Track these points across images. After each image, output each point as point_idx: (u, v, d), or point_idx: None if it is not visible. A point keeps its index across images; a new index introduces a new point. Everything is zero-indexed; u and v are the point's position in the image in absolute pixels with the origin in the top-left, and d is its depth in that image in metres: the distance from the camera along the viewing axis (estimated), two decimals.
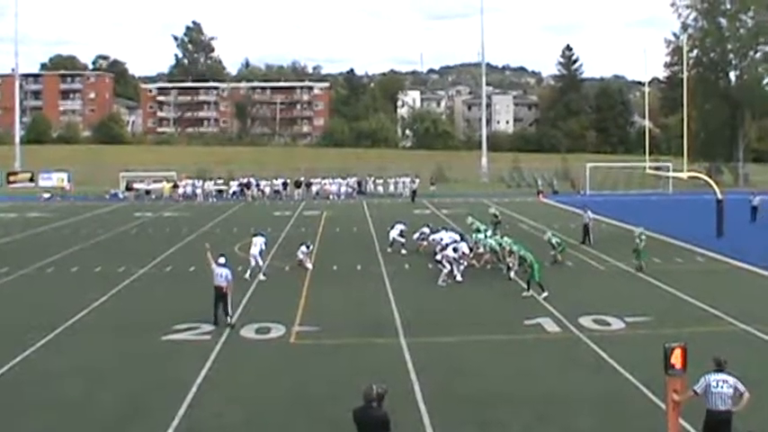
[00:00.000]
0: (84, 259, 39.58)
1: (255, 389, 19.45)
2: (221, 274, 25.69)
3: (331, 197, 78.46)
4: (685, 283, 32.07)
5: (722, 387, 13.86)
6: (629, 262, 36.55)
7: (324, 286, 32.36)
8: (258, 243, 35.19)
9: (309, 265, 36.29)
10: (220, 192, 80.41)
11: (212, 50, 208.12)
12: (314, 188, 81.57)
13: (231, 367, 21.21)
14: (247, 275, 33.43)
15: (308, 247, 37.41)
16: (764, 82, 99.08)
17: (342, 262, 37.72)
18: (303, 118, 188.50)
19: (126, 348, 22.94)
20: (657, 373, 15.19)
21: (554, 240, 38.48)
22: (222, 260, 26.48)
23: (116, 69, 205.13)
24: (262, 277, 33.71)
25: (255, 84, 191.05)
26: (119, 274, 34.92)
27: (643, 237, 36.03)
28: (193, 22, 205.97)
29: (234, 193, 79.64)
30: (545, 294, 29.48)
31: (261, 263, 34.63)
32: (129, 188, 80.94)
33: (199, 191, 79.48)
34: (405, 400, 17.65)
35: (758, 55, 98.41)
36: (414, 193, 76.51)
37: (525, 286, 30.74)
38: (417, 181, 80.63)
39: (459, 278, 33.03)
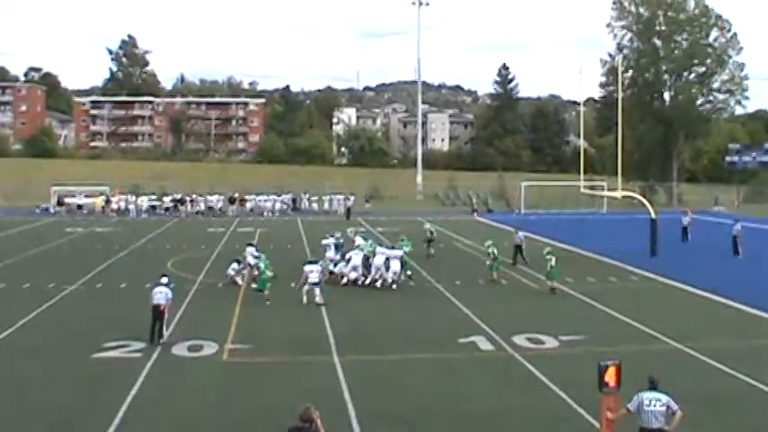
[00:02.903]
0: (12, 275, 38.81)
1: (186, 409, 19.16)
2: (161, 292, 25.44)
3: (265, 214, 78.00)
4: (619, 302, 32.31)
5: (655, 405, 13.99)
6: (561, 280, 36.68)
7: (257, 303, 32.07)
8: (250, 252, 37.03)
9: (241, 282, 36.07)
10: (154, 207, 79.58)
11: (147, 64, 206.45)
12: (248, 204, 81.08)
13: (162, 386, 20.90)
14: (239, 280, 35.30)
15: (239, 263, 37.22)
16: (698, 103, 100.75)
17: (276, 279, 37.43)
18: (238, 134, 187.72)
19: (54, 367, 22.49)
20: (591, 390, 15.21)
21: (494, 251, 38.52)
22: (165, 279, 26.35)
23: (48, 82, 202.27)
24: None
25: (190, 99, 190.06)
26: (48, 291, 34.31)
27: (548, 257, 35.87)
28: (128, 36, 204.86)
29: (167, 208, 78.82)
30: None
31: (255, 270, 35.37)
32: (60, 203, 79.55)
33: (132, 206, 78.52)
34: (338, 419, 17.47)
35: (692, 76, 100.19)
36: (348, 210, 76.31)
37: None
38: (352, 198, 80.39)
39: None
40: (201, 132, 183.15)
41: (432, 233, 48.04)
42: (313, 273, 32.57)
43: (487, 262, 38.56)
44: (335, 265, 37.67)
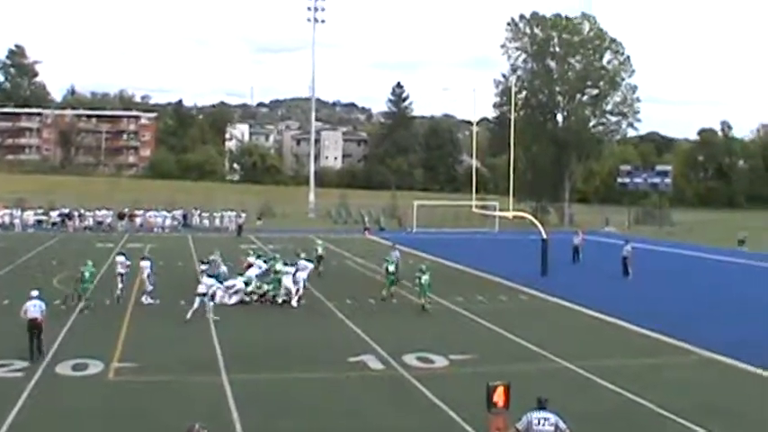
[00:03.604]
0: None
1: (70, 430, 18.62)
2: (35, 305, 24.84)
3: (155, 230, 76.99)
4: (509, 321, 32.56)
5: (544, 424, 14.06)
6: (452, 299, 36.92)
7: (145, 321, 31.55)
8: (146, 267, 36.48)
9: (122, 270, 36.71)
10: (40, 222, 77.83)
11: (36, 75, 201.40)
12: (138, 220, 79.85)
13: (44, 407, 20.28)
14: (144, 299, 35.41)
15: (125, 257, 37.90)
16: (591, 124, 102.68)
17: (164, 296, 36.73)
18: (129, 148, 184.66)
19: None
20: (480, 410, 15.19)
21: (389, 267, 38.53)
22: (35, 293, 25.61)
23: None
24: (150, 300, 35.46)
25: (81, 111, 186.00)
26: None
27: (418, 273, 36.03)
28: (16, 45, 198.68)
29: (54, 223, 77.16)
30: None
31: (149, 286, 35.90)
32: None
33: (17, 221, 76.52)
34: None
35: (585, 98, 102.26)
36: (240, 227, 75.62)
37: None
38: (244, 215, 79.62)
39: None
40: (91, 146, 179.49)
41: (322, 251, 47.81)
42: (201, 285, 32.52)
43: (385, 280, 38.58)
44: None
